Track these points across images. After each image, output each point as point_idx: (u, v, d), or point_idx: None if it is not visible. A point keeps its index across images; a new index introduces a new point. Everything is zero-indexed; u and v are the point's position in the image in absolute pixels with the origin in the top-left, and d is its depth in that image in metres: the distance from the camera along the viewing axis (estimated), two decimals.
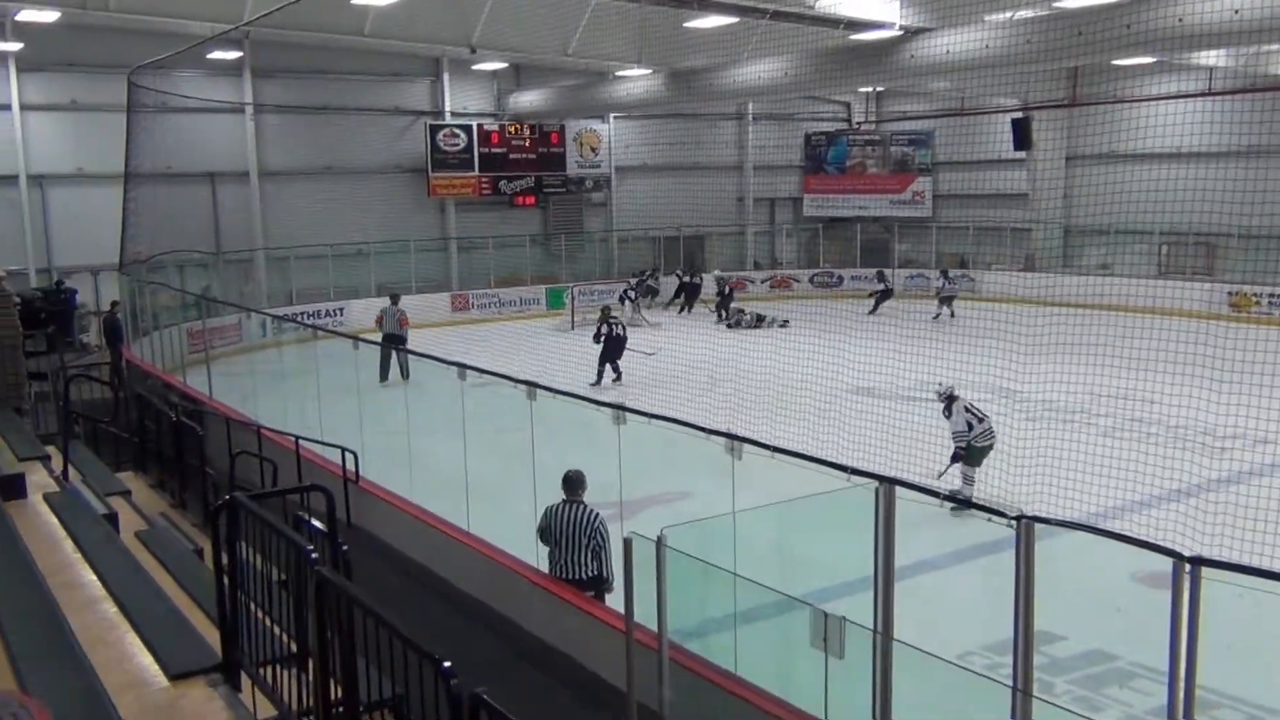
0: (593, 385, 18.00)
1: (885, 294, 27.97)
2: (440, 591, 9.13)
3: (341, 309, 25.99)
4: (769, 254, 34.97)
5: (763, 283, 32.27)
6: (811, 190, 34.86)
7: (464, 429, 9.70)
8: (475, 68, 28.70)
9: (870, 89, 32.78)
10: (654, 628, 6.06)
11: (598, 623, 7.11)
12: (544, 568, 8.03)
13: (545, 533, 7.93)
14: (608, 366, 18.93)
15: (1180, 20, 16.47)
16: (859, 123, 34.93)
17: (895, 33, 20.93)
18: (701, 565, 5.80)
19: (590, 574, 7.73)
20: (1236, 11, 15.62)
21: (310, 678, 4.41)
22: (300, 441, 10.99)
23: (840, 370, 15.56)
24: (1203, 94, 24.87)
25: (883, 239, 33.87)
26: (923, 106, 33.28)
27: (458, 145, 29.08)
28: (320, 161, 27.02)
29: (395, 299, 20.47)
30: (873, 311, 27.01)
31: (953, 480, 11.52)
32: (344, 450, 10.57)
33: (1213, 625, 4.65)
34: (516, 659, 7.88)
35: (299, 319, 19.49)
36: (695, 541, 6.28)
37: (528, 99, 30.09)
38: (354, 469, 10.61)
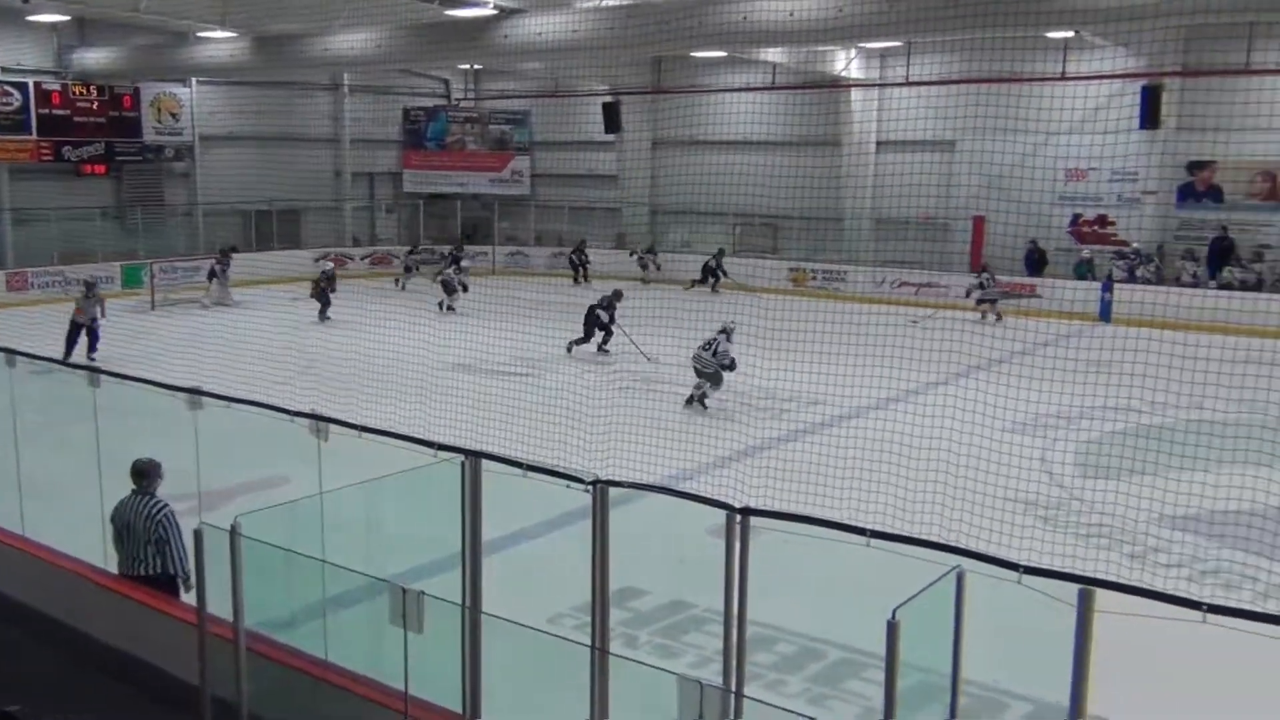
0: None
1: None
2: None
3: None
4: (369, 230, 34.26)
5: (362, 259, 31.56)
6: (411, 166, 34.52)
7: (14, 422, 8.70)
8: (31, 19, 25.56)
9: (469, 66, 32.94)
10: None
11: (172, 621, 6.67)
12: (114, 568, 7.42)
13: (115, 528, 7.33)
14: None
15: (745, 18, 17.96)
16: (458, 99, 35.01)
17: (490, 11, 21.17)
18: (284, 552, 5.62)
19: (155, 570, 7.19)
20: (791, 13, 17.29)
21: None
22: None
23: (438, 348, 15.61)
24: (767, 88, 27.30)
25: (484, 216, 34.27)
26: (520, 86, 33.94)
27: (11, 105, 25.90)
28: None
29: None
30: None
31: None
32: None
33: (765, 567, 5.17)
34: (84, 669, 7.23)
35: None
36: (283, 528, 6.06)
37: (95, 57, 27.32)
38: None
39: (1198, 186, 24.58)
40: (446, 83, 35.32)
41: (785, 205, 26.19)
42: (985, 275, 23.15)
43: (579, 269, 29.17)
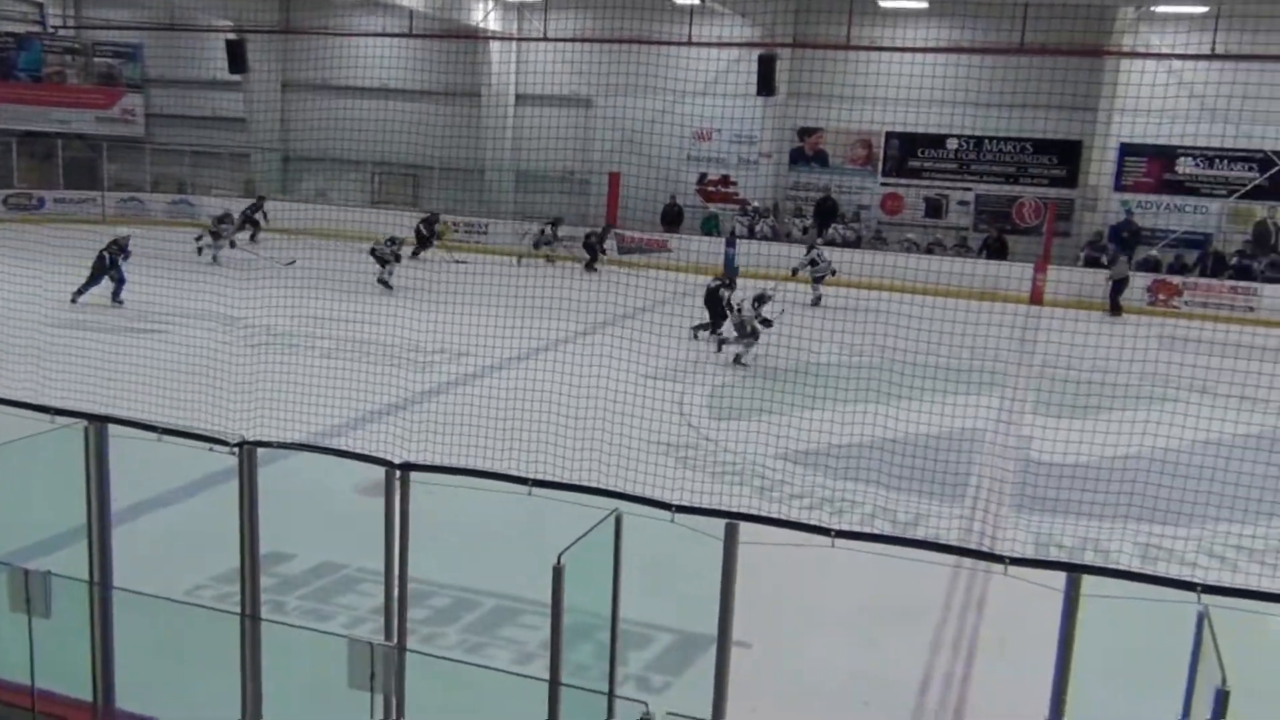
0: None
1: None
2: None
3: None
4: None
5: None
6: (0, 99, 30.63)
7: None
8: None
9: None
10: None
11: None
12: None
13: None
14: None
15: None
16: (55, 27, 31.39)
17: None
18: None
19: None
20: None
21: None
22: None
23: (42, 304, 14.07)
24: (403, 34, 26.66)
25: (89, 158, 31.06)
26: (131, 16, 30.94)
27: None
28: None
29: None
30: None
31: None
32: None
33: (417, 522, 5.13)
34: None
35: None
36: None
37: None
38: None
39: (807, 151, 26.83)
40: (41, 7, 31.52)
41: (426, 156, 25.80)
42: (816, 251, 21.56)
43: (427, 241, 25.44)
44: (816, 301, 20.85)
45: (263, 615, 5.36)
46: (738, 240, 24.80)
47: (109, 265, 17.82)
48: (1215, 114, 21.78)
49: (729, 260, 24.52)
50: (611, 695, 4.48)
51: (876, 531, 5.41)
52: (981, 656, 7.62)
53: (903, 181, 26.08)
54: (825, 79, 24.14)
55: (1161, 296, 21.97)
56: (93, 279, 17.66)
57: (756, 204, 26.21)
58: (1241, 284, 22.03)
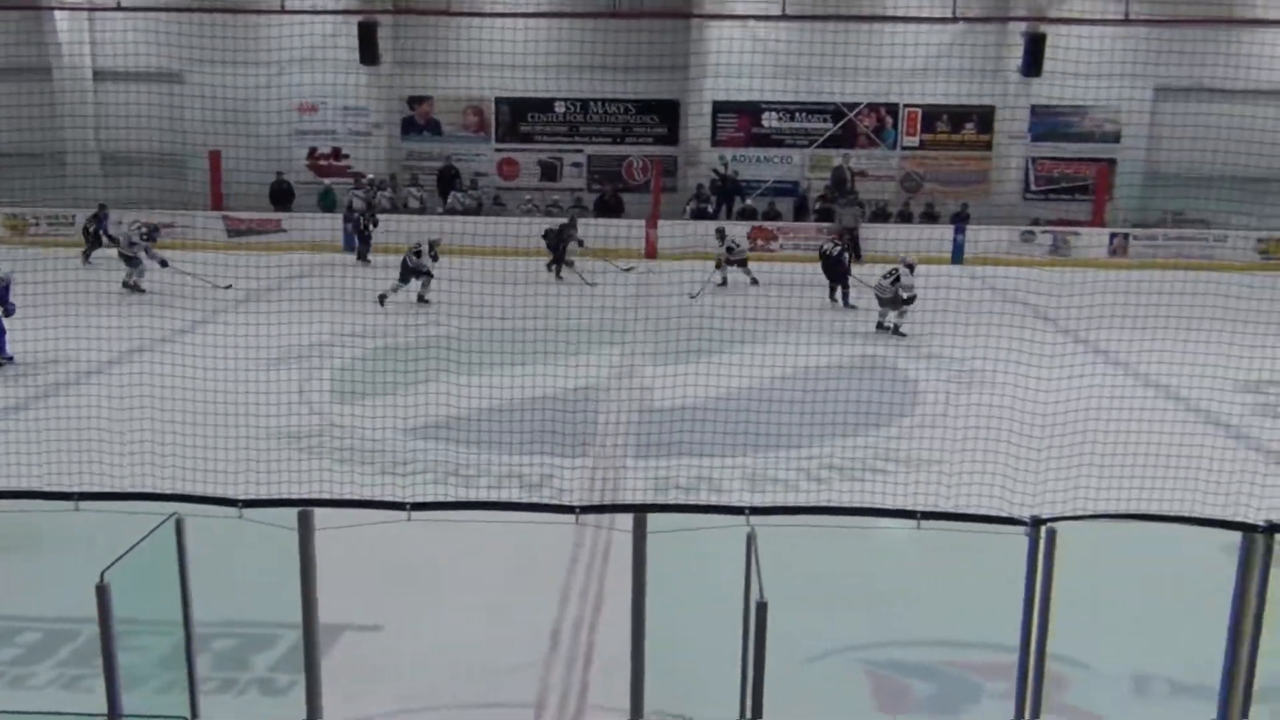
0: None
1: None
2: None
3: None
4: None
5: None
6: None
7: None
8: None
9: None
10: None
11: None
12: None
13: None
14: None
15: None
16: None
17: None
18: None
19: None
20: None
21: None
22: None
23: None
24: None
25: None
26: None
27: None
28: None
29: None
30: None
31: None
32: None
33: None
34: None
35: None
36: None
37: None
38: None
39: (418, 120, 26.51)
40: None
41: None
42: (730, 239, 20.62)
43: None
44: (754, 281, 20.09)
45: None
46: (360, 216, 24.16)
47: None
48: (790, 71, 23.73)
49: (347, 238, 23.88)
50: (194, 716, 4.21)
51: (470, 499, 5.42)
52: (609, 602, 7.93)
53: (516, 146, 26.41)
54: (430, 46, 23.87)
55: (760, 242, 23.72)
56: None
57: (372, 176, 25.59)
58: (825, 225, 24.21)
